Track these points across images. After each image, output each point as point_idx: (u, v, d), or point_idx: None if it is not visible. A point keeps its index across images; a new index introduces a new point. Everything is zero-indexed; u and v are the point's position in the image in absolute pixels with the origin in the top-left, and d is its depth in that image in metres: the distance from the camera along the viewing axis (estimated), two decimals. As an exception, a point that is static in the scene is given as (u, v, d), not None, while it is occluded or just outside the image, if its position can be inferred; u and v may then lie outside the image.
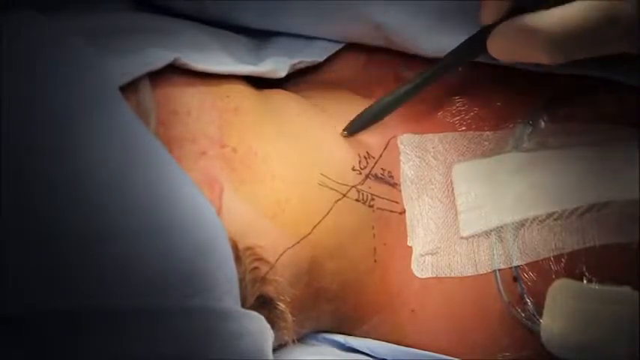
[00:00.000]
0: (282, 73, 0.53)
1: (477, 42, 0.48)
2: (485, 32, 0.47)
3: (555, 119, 0.54)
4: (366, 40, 0.55)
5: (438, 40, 0.53)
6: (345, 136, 0.52)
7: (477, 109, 0.55)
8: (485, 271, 0.52)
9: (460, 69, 0.54)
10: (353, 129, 0.53)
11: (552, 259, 0.51)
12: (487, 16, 0.46)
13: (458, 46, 0.50)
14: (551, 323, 0.48)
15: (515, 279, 0.51)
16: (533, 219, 0.52)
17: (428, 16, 0.53)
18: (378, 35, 0.54)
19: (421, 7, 0.53)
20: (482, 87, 0.55)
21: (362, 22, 0.53)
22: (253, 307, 0.45)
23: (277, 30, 0.57)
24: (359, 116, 0.53)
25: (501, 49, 0.46)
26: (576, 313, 0.47)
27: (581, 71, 0.53)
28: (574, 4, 0.42)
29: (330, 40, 0.56)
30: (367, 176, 0.52)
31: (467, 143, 0.54)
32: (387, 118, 0.54)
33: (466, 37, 0.49)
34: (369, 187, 0.52)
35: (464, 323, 0.52)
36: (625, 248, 0.50)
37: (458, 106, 0.55)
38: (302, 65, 0.55)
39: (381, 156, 0.53)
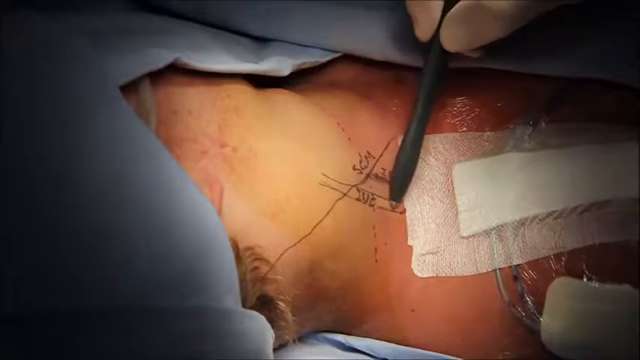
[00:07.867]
0: (285, 72, 0.53)
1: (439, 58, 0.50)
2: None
3: (556, 119, 0.54)
4: (362, 52, 0.55)
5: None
6: (395, 207, 0.52)
7: (477, 109, 0.55)
8: (485, 271, 0.52)
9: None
10: (399, 195, 0.52)
11: (552, 257, 0.51)
12: (424, 31, 0.49)
13: (428, 70, 0.51)
14: (552, 322, 0.48)
15: (516, 278, 0.51)
16: (534, 218, 0.51)
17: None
18: (375, 48, 0.54)
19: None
20: (482, 88, 0.55)
21: (360, 35, 0.53)
22: (254, 307, 0.45)
23: (276, 38, 0.57)
24: (394, 182, 0.52)
25: (457, 36, 0.47)
26: (576, 311, 0.47)
27: (581, 73, 0.53)
28: None
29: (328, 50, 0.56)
30: (368, 176, 0.52)
31: (467, 143, 0.54)
32: (387, 119, 0.54)
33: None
34: (370, 187, 0.52)
35: (464, 323, 0.52)
36: (625, 247, 0.50)
37: (459, 107, 0.55)
38: (305, 66, 0.55)
39: (381, 155, 0.53)
